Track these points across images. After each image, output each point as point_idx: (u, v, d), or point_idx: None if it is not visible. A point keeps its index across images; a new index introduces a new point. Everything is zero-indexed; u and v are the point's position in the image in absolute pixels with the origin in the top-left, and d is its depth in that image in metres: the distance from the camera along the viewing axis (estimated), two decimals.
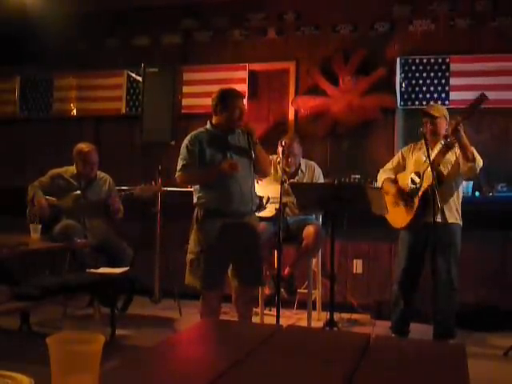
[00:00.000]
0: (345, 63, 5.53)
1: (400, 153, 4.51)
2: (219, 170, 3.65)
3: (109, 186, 5.21)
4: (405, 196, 4.25)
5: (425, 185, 4.10)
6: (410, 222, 4.24)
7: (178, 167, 3.73)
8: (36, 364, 1.59)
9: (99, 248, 4.88)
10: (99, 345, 1.04)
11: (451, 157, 4.16)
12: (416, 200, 4.17)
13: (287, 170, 4.77)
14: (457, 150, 4.11)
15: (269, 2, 5.91)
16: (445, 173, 4.11)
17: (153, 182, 5.02)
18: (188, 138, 3.77)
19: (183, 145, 3.76)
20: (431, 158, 3.90)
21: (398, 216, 4.30)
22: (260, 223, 4.68)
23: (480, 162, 4.06)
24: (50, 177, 5.10)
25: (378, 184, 4.47)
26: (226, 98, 3.72)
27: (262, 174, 4.01)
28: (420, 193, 4.14)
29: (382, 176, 4.45)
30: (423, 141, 4.00)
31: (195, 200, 3.80)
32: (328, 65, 5.60)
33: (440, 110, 4.33)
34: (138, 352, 2.02)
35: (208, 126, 3.81)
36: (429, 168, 3.94)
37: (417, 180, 4.18)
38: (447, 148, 4.09)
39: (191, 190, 3.92)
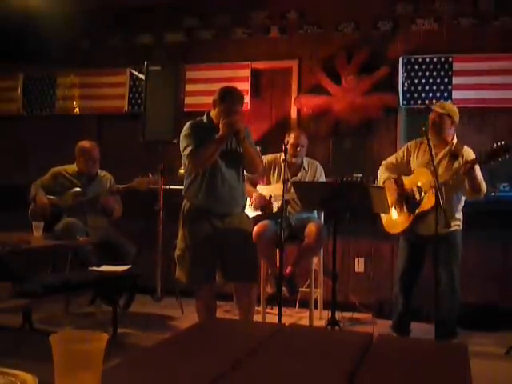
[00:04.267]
0: (347, 62, 5.52)
1: (406, 147, 4.41)
2: (222, 136, 3.59)
3: (109, 184, 5.21)
4: (407, 201, 4.21)
5: (425, 206, 4.05)
6: (402, 231, 4.23)
7: (187, 153, 3.63)
8: (38, 362, 1.59)
9: (101, 246, 4.89)
10: (102, 343, 1.04)
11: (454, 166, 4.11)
12: (412, 216, 4.15)
13: (293, 160, 4.79)
14: (460, 159, 4.08)
15: (272, 0, 5.91)
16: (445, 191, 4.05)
17: (149, 175, 5.01)
18: (186, 126, 3.75)
19: (183, 134, 3.72)
20: (437, 173, 3.78)
21: (393, 222, 4.28)
22: (261, 221, 4.70)
23: (484, 190, 4.02)
24: (52, 175, 5.11)
25: (379, 180, 4.44)
26: (224, 95, 3.72)
27: (251, 170, 3.92)
28: (418, 210, 4.11)
29: (384, 174, 4.39)
30: (426, 141, 3.98)
31: (184, 191, 3.78)
32: (331, 64, 5.59)
33: (445, 107, 4.25)
34: (139, 351, 2.02)
35: (205, 117, 3.81)
36: (432, 190, 3.87)
37: (417, 196, 4.15)
38: (454, 160, 4.05)
39: None
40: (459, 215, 4.24)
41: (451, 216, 4.08)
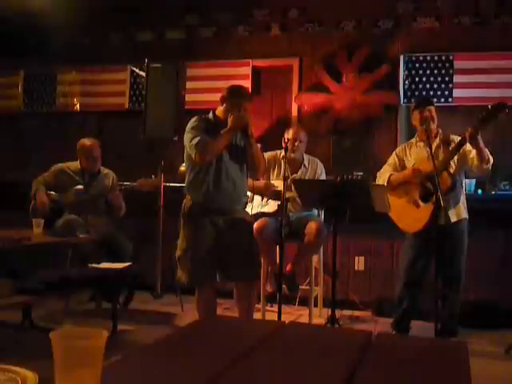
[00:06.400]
0: (348, 60, 5.52)
1: (394, 154, 4.47)
2: (230, 129, 3.59)
3: (112, 182, 5.22)
4: (425, 193, 4.19)
5: (444, 187, 4.02)
6: (423, 226, 4.14)
7: (195, 143, 3.57)
8: (38, 358, 1.60)
9: (101, 243, 4.89)
10: (102, 340, 1.04)
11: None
12: (430, 205, 4.10)
13: (292, 156, 4.77)
14: (453, 144, 4.11)
15: None
16: (453, 172, 4.09)
17: (152, 176, 5.02)
18: (194, 119, 3.72)
19: (190, 126, 3.68)
20: (439, 160, 3.84)
21: (410, 221, 4.22)
22: (261, 219, 4.70)
23: (491, 160, 4.04)
24: (54, 172, 5.11)
25: (384, 180, 4.36)
26: (232, 92, 3.74)
27: (254, 169, 3.83)
28: (434, 199, 4.09)
29: (385, 174, 4.38)
30: (417, 139, 4.02)
31: (185, 186, 3.76)
32: (331, 61, 5.60)
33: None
34: (139, 348, 2.01)
35: (210, 115, 3.81)
36: (443, 173, 3.96)
37: (430, 186, 4.13)
38: (447, 145, 4.08)
39: None
40: (464, 202, 4.24)
41: (457, 203, 4.15)
